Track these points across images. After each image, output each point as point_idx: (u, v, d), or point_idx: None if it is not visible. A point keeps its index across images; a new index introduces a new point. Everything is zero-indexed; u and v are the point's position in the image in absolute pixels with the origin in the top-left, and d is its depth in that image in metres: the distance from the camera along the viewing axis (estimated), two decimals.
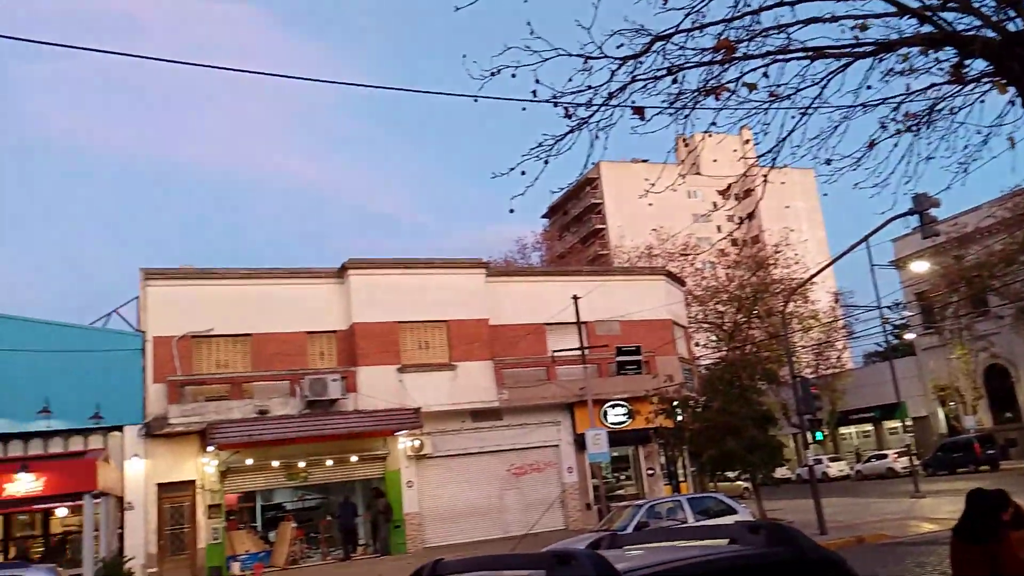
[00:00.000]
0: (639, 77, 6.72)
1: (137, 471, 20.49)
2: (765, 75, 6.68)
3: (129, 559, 17.19)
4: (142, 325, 21.88)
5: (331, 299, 23.92)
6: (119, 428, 20.67)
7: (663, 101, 6.90)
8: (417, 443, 23.17)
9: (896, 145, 7.16)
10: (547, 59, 6.61)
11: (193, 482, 21.21)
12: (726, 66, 6.66)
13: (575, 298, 23.55)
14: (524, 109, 7.37)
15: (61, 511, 19.96)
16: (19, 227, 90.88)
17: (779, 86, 6.78)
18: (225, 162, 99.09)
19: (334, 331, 23.85)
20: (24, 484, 13.59)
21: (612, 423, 25.10)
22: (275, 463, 21.99)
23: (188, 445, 21.22)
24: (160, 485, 20.89)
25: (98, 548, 16.06)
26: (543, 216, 78.83)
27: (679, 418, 24.95)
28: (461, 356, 24.34)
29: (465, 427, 24.33)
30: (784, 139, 7.01)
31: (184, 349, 21.81)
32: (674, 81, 6.76)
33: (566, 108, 6.89)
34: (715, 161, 56.46)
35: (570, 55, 6.65)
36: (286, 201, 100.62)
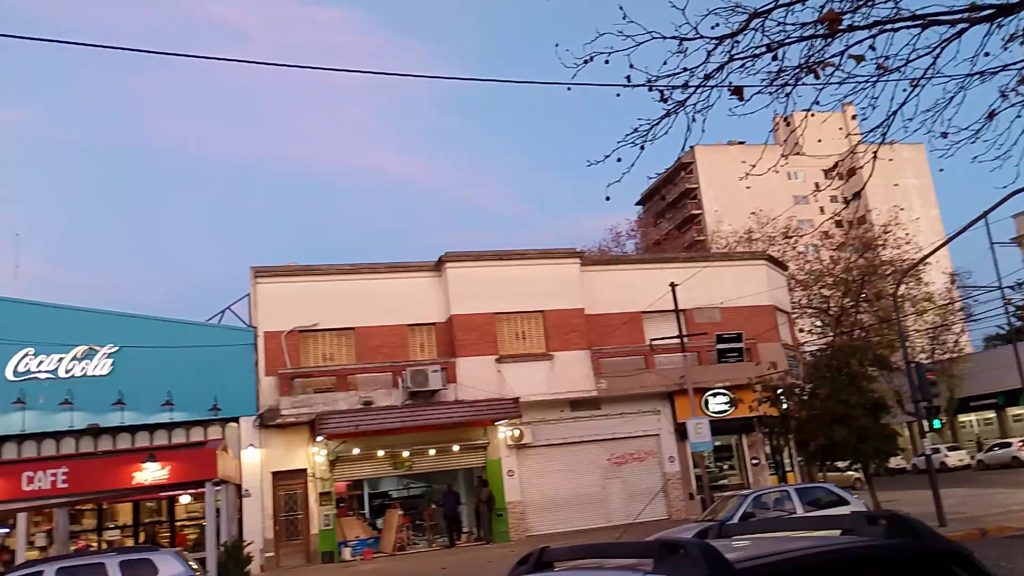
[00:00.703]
0: (737, 56, 6.52)
1: (253, 460, 21.52)
2: (872, 47, 6.36)
3: (248, 543, 18.08)
4: (253, 321, 22.92)
5: (430, 292, 24.40)
6: (235, 419, 21.78)
7: (762, 80, 6.68)
8: (517, 432, 23.39)
9: (1019, 115, 6.69)
10: (640, 43, 6.51)
11: (305, 471, 22.11)
12: (830, 40, 6.38)
13: (672, 285, 23.18)
14: (618, 95, 7.30)
15: (185, 498, 21.25)
16: (140, 232, 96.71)
17: (887, 58, 6.45)
18: (326, 161, 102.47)
19: (433, 323, 24.32)
20: (151, 472, 14.47)
21: (714, 412, 24.62)
22: (380, 452, 22.66)
23: (299, 435, 22.13)
24: (274, 473, 21.88)
25: (219, 533, 16.95)
26: (637, 203, 77.81)
27: (784, 406, 24.20)
28: (558, 346, 24.38)
29: (564, 416, 24.39)
30: (894, 113, 6.66)
31: (292, 343, 22.73)
32: (774, 58, 6.52)
33: (661, 92, 6.77)
34: (819, 141, 54.22)
35: (664, 38, 6.52)
36: (383, 197, 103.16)
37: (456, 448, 23.36)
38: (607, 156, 7.12)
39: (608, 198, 7.78)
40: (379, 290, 23.87)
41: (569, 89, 7.48)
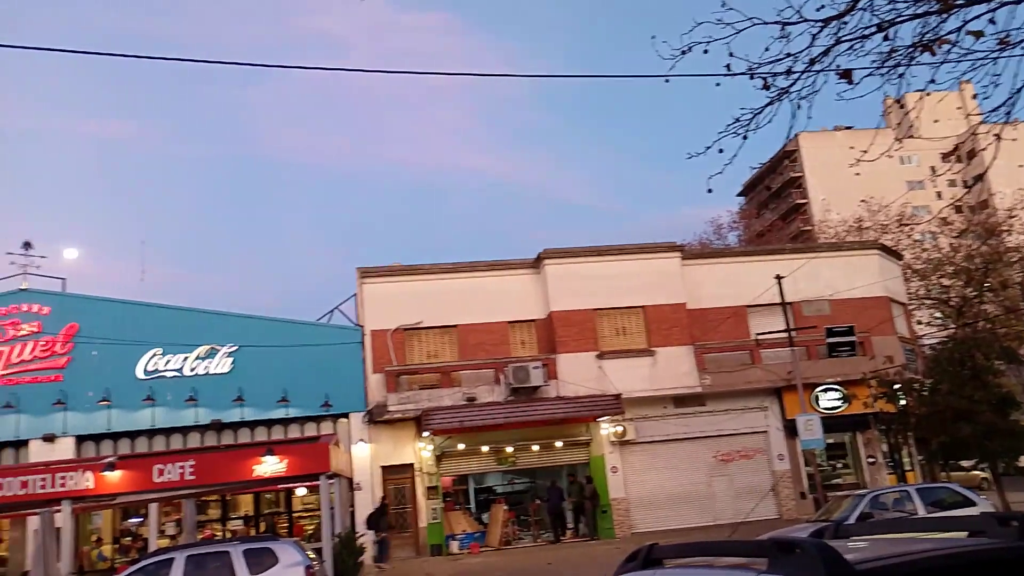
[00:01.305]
0: (844, 38, 6.28)
1: (363, 454, 22.26)
2: (992, 21, 6.00)
3: (361, 535, 18.71)
4: (360, 320, 23.68)
5: (529, 289, 24.55)
6: (345, 415, 22.59)
7: (872, 61, 6.40)
8: (619, 429, 23.24)
9: None
10: (741, 31, 6.37)
11: (412, 465, 22.69)
12: (945, 16, 6.06)
13: (778, 278, 22.47)
14: (718, 85, 7.16)
15: (300, 490, 22.20)
16: (254, 236, 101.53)
17: (1009, 32, 6.06)
18: (426, 163, 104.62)
19: (533, 320, 24.47)
20: (270, 466, 15.15)
21: (825, 408, 23.72)
22: (485, 448, 22.99)
23: (406, 430, 22.73)
24: (384, 467, 22.56)
25: (333, 524, 17.61)
26: (739, 194, 75.68)
27: (903, 402, 23.09)
28: (659, 341, 24.07)
29: (668, 413, 24.06)
30: (1019, 90, 6.26)
31: (397, 341, 23.35)
32: (885, 38, 6.24)
33: (764, 79, 6.60)
34: (936, 122, 51.32)
35: (766, 23, 6.35)
36: (482, 195, 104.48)
37: (559, 444, 23.44)
38: (708, 147, 6.99)
39: (710, 190, 7.61)
40: (480, 288, 24.22)
41: (667, 81, 7.37)
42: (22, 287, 22.21)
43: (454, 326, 23.96)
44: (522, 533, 23.47)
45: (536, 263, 24.62)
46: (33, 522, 18.66)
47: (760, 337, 23.42)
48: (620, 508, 23.02)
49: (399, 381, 22.52)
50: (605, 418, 23.05)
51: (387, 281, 23.98)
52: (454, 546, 22.09)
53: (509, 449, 23.23)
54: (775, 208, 72.66)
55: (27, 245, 22.46)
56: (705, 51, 6.70)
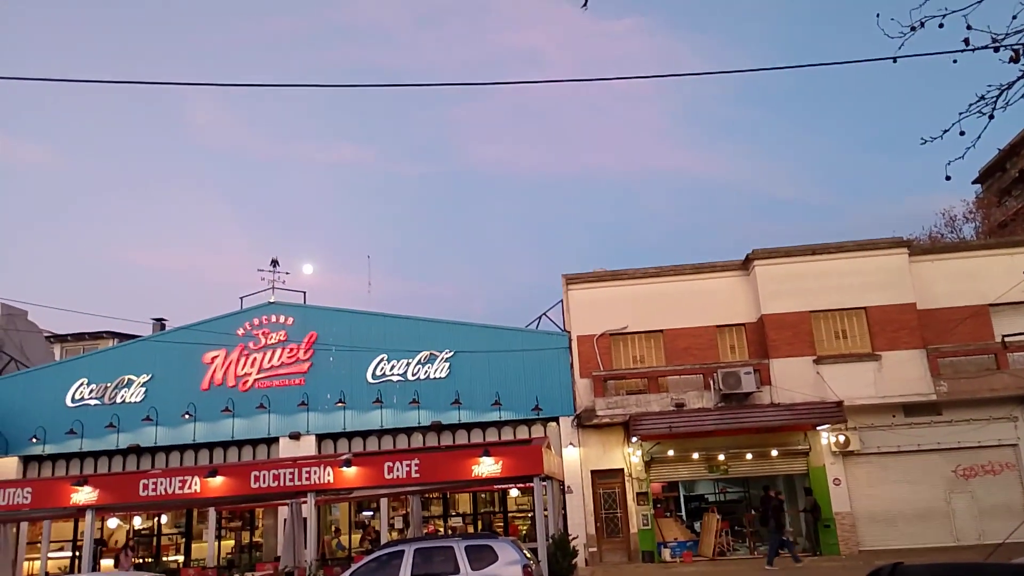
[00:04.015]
0: None
1: (573, 458, 22.64)
2: None
3: (574, 537, 19.03)
4: (567, 325, 24.13)
5: (737, 291, 23.77)
6: (555, 419, 23.11)
7: None
8: (842, 438, 21.82)
9: None
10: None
11: (621, 470, 22.73)
12: None
13: None
14: (955, 62, 6.60)
15: (514, 491, 22.98)
16: (464, 247, 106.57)
17: None
18: (623, 166, 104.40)
19: (743, 323, 23.65)
20: (487, 466, 15.80)
21: None
22: (695, 455, 22.52)
23: (614, 435, 22.83)
24: (593, 472, 22.80)
25: (547, 525, 18.07)
26: (974, 181, 68.19)
27: None
28: (885, 345, 22.32)
29: (897, 422, 22.23)
30: None
31: (603, 346, 23.53)
32: None
33: (1015, 51, 5.99)
34: None
35: None
36: (682, 196, 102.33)
37: (774, 453, 22.44)
38: (946, 130, 6.48)
39: (948, 177, 6.96)
40: (685, 291, 23.81)
41: (895, 62, 6.94)
42: (271, 300, 24.98)
43: (660, 331, 23.74)
44: (737, 544, 22.71)
45: (745, 264, 23.78)
46: (283, 512, 20.85)
47: (1008, 339, 20.98)
48: (844, 523, 21.58)
49: (606, 386, 22.66)
50: (825, 427, 21.74)
51: (592, 287, 24.25)
52: (666, 554, 21.84)
53: (721, 457, 22.58)
54: (1020, 195, 64.70)
55: (274, 263, 25.27)
56: (940, 25, 6.23)
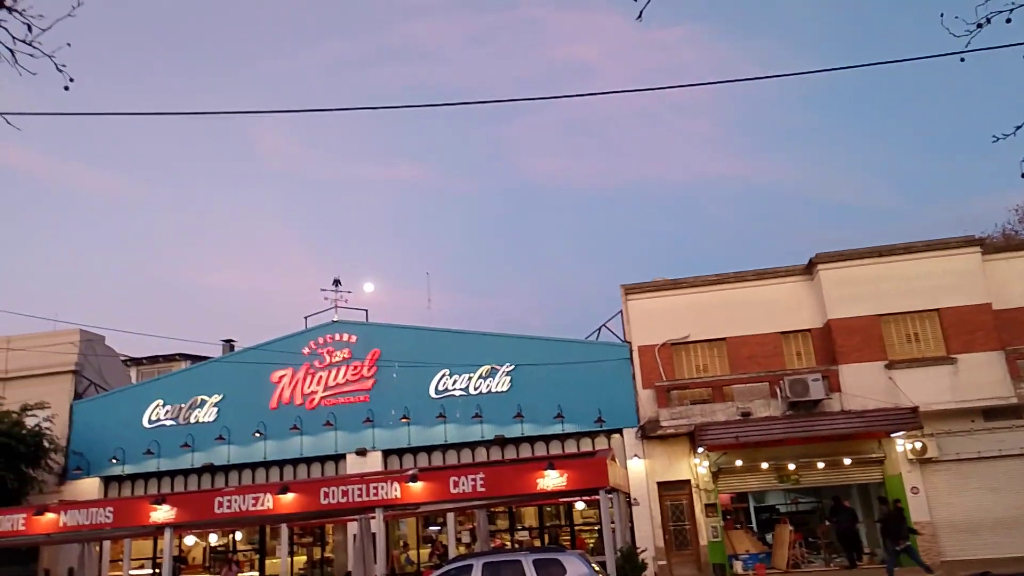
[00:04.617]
0: None
1: (638, 470, 22.42)
2: None
3: (642, 550, 18.83)
4: (627, 336, 23.97)
5: (801, 297, 23.30)
6: (618, 431, 22.95)
7: None
8: (918, 445, 21.11)
9: None
10: None
11: (688, 481, 22.41)
12: None
13: None
14: None
15: (580, 504, 22.88)
16: (522, 261, 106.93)
17: None
18: (678, 176, 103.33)
19: (808, 329, 23.15)
20: (551, 480, 15.78)
21: None
22: (764, 465, 22.07)
23: (679, 446, 22.53)
24: (659, 483, 22.52)
25: (614, 539, 17.92)
26: None
27: None
28: (960, 347, 21.56)
29: (976, 427, 21.40)
30: None
31: (665, 356, 23.30)
32: None
33: None
34: None
35: None
36: (737, 204, 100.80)
37: (847, 462, 21.83)
38: (1019, 127, 6.35)
39: None
40: (748, 299, 23.43)
41: (963, 60, 6.83)
42: (334, 319, 25.49)
43: (723, 339, 23.39)
44: (812, 556, 22.12)
45: (808, 269, 23.29)
46: (352, 527, 21.15)
47: None
48: (925, 533, 20.83)
49: (670, 396, 22.42)
50: (900, 434, 21.07)
51: (651, 297, 24.06)
52: (738, 566, 21.42)
53: (791, 466, 22.07)
54: None
55: (336, 282, 25.82)
56: (1008, 20, 6.18)
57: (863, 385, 21.48)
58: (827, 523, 22.35)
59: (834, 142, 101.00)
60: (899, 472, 21.32)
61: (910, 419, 20.26)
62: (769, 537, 22.68)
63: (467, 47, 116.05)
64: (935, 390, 21.08)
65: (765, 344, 23.05)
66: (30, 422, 23.55)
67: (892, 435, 21.23)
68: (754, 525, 23.40)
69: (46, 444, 23.81)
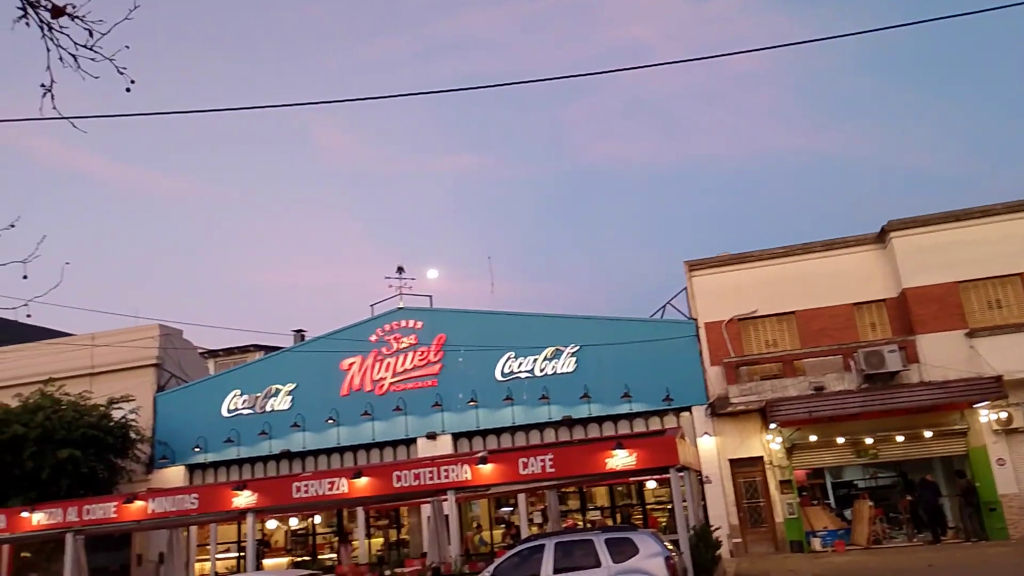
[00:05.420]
0: None
1: (709, 447, 22.16)
2: None
3: (715, 528, 18.63)
4: (693, 313, 23.64)
5: (874, 266, 22.57)
6: (687, 409, 22.69)
7: None
8: (1003, 415, 20.27)
9: None
10: None
11: (761, 458, 22.05)
12: None
13: None
14: None
15: (651, 483, 22.75)
16: (583, 243, 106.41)
17: None
18: (740, 151, 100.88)
19: (882, 299, 22.43)
20: (620, 459, 15.68)
21: None
22: (840, 439, 21.54)
23: (751, 423, 22.17)
24: (731, 461, 22.22)
25: (687, 517, 17.79)
26: None
27: None
28: None
29: None
30: None
31: (733, 332, 22.90)
32: None
33: None
34: None
35: None
36: (803, 176, 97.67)
37: (928, 434, 21.13)
38: None
39: None
40: (817, 270, 22.82)
41: None
42: (399, 306, 25.86)
43: (792, 312, 22.86)
44: (893, 531, 21.54)
45: (880, 237, 22.52)
46: (426, 509, 21.53)
47: None
48: (1012, 506, 20.05)
49: (739, 372, 22.04)
50: (983, 404, 20.27)
51: (716, 272, 23.65)
52: (816, 543, 21.01)
53: (868, 440, 21.48)
54: None
55: (400, 270, 26.18)
56: None
57: (943, 355, 20.72)
58: (909, 498, 21.71)
59: (901, 107, 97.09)
60: (983, 444, 20.53)
61: (993, 388, 19.47)
62: (848, 513, 22.18)
63: (521, 33, 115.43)
64: (1019, 357, 20.17)
65: (837, 316, 22.44)
66: (117, 414, 24.64)
67: (975, 406, 20.45)
68: (832, 501, 22.90)
69: (132, 435, 24.90)
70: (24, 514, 18.85)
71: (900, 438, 21.26)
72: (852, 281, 22.58)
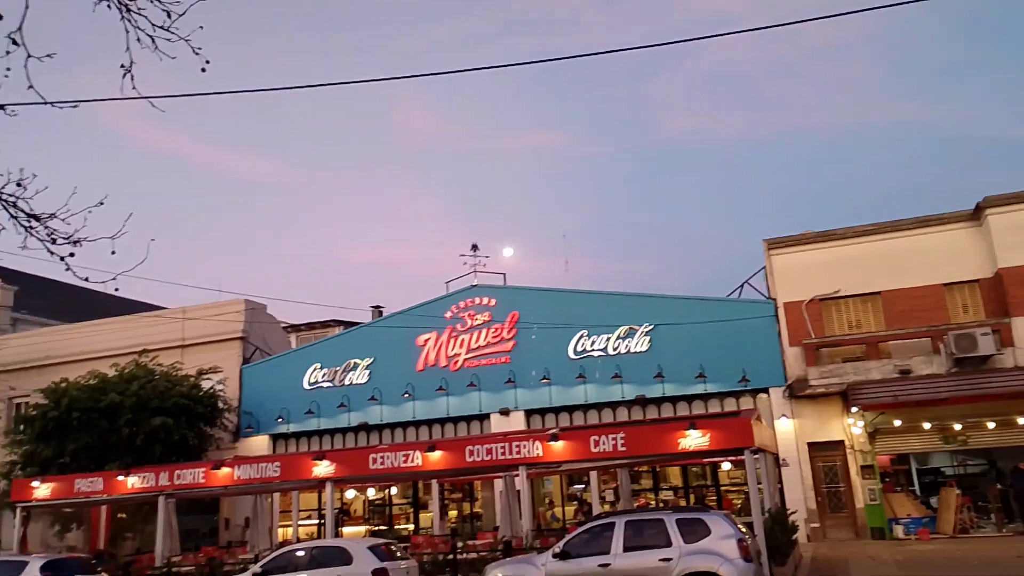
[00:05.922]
0: None
1: (786, 430, 21.66)
2: None
3: (792, 512, 18.26)
4: (772, 292, 23.05)
5: (967, 245, 21.52)
6: (764, 390, 22.21)
7: None
8: None
9: None
10: None
11: (841, 442, 21.43)
12: None
13: None
14: None
15: (726, 464, 22.43)
16: (660, 221, 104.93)
17: None
18: (826, 124, 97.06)
19: (976, 280, 21.38)
20: (693, 440, 15.49)
21: None
22: (926, 425, 20.73)
23: (831, 406, 21.55)
24: (810, 444, 21.67)
25: (762, 500, 17.47)
26: None
27: None
28: None
29: None
30: None
31: (814, 312, 22.24)
32: None
33: None
34: None
35: None
36: (895, 149, 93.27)
37: (1022, 421, 20.11)
38: None
39: None
40: (905, 249, 21.89)
41: None
42: (473, 284, 26.09)
43: (877, 293, 22.04)
44: (981, 521, 20.66)
45: (975, 214, 21.41)
46: (498, 484, 21.80)
47: None
48: None
49: (819, 354, 21.42)
50: None
51: (797, 250, 22.97)
52: (898, 530, 20.34)
53: (957, 426, 20.60)
54: None
55: (474, 247, 26.40)
56: None
57: None
58: (999, 486, 20.76)
59: (1005, 75, 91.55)
60: None
61: None
62: (933, 501, 21.36)
63: (600, 8, 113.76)
64: None
65: (925, 297, 21.51)
66: (205, 385, 25.78)
67: None
68: (916, 488, 22.09)
69: (220, 405, 26.02)
70: (120, 478, 20.01)
71: (991, 424, 20.32)
72: (943, 260, 21.59)
